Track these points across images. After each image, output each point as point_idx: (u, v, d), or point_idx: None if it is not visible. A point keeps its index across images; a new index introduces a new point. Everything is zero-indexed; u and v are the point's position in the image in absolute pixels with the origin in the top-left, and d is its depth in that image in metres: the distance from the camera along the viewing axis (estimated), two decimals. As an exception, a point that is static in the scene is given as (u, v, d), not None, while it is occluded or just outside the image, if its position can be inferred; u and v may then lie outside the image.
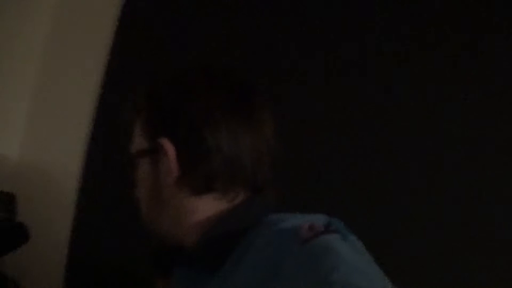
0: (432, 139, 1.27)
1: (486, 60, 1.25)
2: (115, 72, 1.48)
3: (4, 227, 1.21)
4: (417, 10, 1.30)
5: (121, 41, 1.48)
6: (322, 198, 1.26)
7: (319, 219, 0.80)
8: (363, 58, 1.32)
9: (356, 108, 1.30)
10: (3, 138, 1.50)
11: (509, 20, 1.25)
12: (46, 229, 1.40)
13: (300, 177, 1.29)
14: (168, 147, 0.85)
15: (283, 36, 1.38)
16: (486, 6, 1.25)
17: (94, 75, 1.48)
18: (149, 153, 0.88)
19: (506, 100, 1.24)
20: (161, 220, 0.89)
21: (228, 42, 1.41)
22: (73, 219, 1.44)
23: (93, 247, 1.44)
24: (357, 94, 1.31)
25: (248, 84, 0.91)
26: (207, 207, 0.87)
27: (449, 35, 1.28)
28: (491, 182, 1.23)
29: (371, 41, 1.31)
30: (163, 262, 0.93)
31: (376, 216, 1.25)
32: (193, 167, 0.85)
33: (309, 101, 1.34)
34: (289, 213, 0.84)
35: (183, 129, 0.85)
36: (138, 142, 0.91)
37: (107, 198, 1.44)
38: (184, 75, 0.91)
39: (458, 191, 1.24)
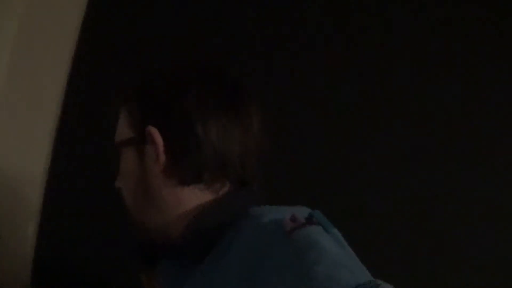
0: (428, 139, 1.30)
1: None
2: (79, 76, 1.48)
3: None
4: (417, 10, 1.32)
5: (85, 48, 1.48)
6: (312, 193, 1.26)
7: (301, 211, 0.82)
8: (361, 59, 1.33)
9: (350, 107, 1.32)
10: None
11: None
12: (11, 232, 1.36)
13: (293, 173, 1.29)
14: (156, 135, 0.85)
15: (273, 35, 1.40)
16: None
17: (59, 77, 1.46)
18: (135, 141, 0.88)
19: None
20: (146, 210, 0.89)
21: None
22: (39, 222, 1.42)
23: (59, 249, 1.42)
24: (353, 93, 1.33)
25: (237, 80, 0.93)
26: (193, 198, 0.87)
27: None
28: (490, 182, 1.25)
29: (367, 41, 1.33)
30: (148, 254, 0.92)
31: (367, 213, 1.26)
32: (181, 157, 0.86)
33: (302, 100, 1.35)
34: (274, 206, 0.86)
35: (173, 119, 0.86)
36: (124, 131, 0.91)
37: (73, 201, 1.43)
38: (176, 68, 0.92)
39: (456, 190, 1.27)
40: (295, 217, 0.79)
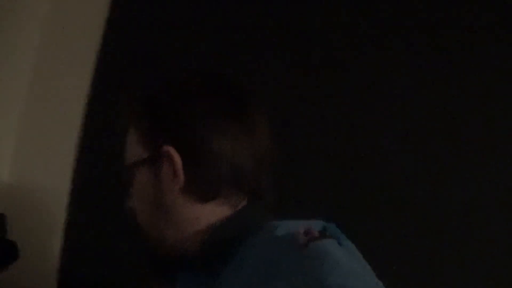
0: (430, 139, 1.29)
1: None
2: (102, 91, 1.49)
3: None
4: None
5: (109, 56, 1.49)
6: (321, 202, 1.26)
7: (315, 225, 0.82)
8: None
9: (354, 108, 1.32)
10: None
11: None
12: (36, 247, 1.39)
13: (300, 181, 1.29)
14: (174, 154, 0.85)
15: (279, 37, 1.40)
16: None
17: (81, 93, 1.49)
18: (151, 161, 0.88)
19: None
20: (163, 228, 0.89)
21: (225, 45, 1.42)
22: (63, 237, 1.44)
23: (83, 265, 1.43)
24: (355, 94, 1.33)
25: (244, 88, 0.93)
26: (211, 213, 0.87)
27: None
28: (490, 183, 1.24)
29: (370, 40, 1.33)
30: (163, 269, 0.93)
31: (375, 220, 1.26)
32: (199, 174, 0.86)
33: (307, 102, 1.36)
34: (288, 218, 0.85)
35: (187, 136, 0.86)
36: (136, 151, 0.90)
37: (96, 216, 1.44)
38: (181, 81, 0.92)
39: (456, 192, 1.26)
40: (309, 230, 0.79)
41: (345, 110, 1.34)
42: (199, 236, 0.87)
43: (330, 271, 0.74)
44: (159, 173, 0.87)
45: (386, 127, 1.32)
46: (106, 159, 1.48)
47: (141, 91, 0.93)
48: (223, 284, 0.83)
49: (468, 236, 1.24)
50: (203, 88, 0.90)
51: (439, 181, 1.28)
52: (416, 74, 1.32)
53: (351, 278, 0.74)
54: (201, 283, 0.86)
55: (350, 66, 1.35)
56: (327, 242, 0.79)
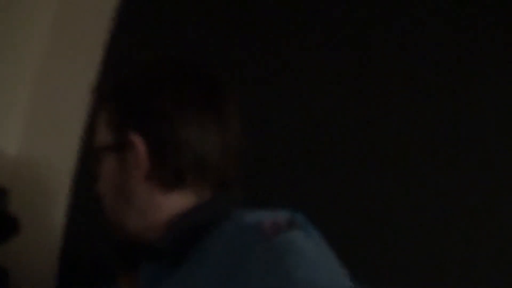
0: (427, 138, 1.27)
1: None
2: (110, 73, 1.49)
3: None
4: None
5: (116, 42, 1.50)
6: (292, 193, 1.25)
7: (282, 215, 0.81)
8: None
9: (341, 103, 1.30)
10: (2, 134, 1.53)
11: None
12: (39, 223, 1.42)
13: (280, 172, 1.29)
14: (138, 141, 0.85)
15: (280, 33, 1.39)
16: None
17: (90, 74, 1.50)
18: (116, 148, 0.88)
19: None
20: (127, 216, 0.89)
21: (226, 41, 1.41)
22: (67, 213, 1.45)
23: (86, 241, 1.45)
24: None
25: (218, 78, 0.92)
26: (175, 202, 0.87)
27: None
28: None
29: (362, 40, 1.31)
30: (128, 258, 0.92)
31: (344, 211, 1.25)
32: (163, 162, 0.85)
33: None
34: (255, 208, 0.85)
35: (153, 123, 0.85)
36: (104, 135, 0.90)
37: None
38: (153, 67, 0.91)
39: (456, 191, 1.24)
40: (276, 221, 0.79)
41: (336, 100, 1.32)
42: (163, 225, 0.87)
43: (297, 264, 0.74)
44: (123, 160, 0.88)
45: (360, 124, 1.29)
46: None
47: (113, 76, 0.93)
48: (184, 273, 0.83)
49: (468, 237, 1.22)
50: (174, 76, 0.89)
51: (438, 182, 1.25)
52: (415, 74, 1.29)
53: (318, 272, 0.74)
54: (164, 273, 0.85)
55: (329, 59, 1.34)
56: (295, 233, 0.79)
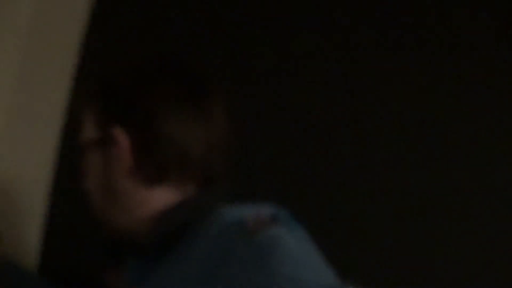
0: (427, 138, 1.27)
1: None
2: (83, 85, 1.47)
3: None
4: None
5: (92, 40, 1.49)
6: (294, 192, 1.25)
7: (265, 211, 0.81)
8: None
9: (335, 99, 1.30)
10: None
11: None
12: (16, 236, 1.39)
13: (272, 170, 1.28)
14: (121, 137, 0.86)
15: (269, 32, 1.38)
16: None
17: (63, 87, 1.48)
18: (101, 142, 0.88)
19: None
20: (112, 211, 0.89)
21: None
22: (44, 226, 1.44)
23: (64, 253, 1.43)
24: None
25: (203, 75, 0.92)
26: (159, 198, 0.87)
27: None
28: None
29: (360, 39, 1.31)
30: (114, 254, 0.93)
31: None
32: (146, 157, 0.86)
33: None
34: (240, 204, 0.85)
35: (136, 118, 0.86)
36: (89, 131, 0.91)
37: (77, 206, 1.44)
38: (138, 64, 0.92)
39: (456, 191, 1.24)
40: (260, 217, 0.78)
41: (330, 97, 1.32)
42: (148, 220, 0.87)
43: (281, 262, 0.73)
44: (107, 155, 0.88)
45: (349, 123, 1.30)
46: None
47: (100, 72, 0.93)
48: (168, 268, 0.83)
49: (468, 237, 1.22)
50: (159, 72, 0.90)
51: (438, 182, 1.25)
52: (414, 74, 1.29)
53: (302, 269, 0.74)
54: (149, 268, 0.85)
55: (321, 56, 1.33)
56: (278, 229, 0.78)
